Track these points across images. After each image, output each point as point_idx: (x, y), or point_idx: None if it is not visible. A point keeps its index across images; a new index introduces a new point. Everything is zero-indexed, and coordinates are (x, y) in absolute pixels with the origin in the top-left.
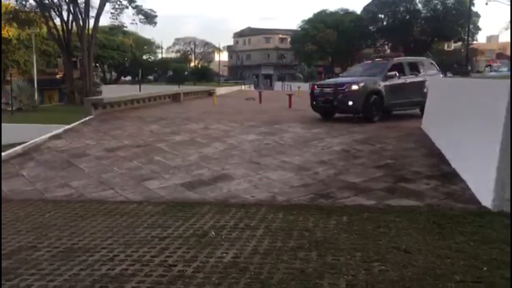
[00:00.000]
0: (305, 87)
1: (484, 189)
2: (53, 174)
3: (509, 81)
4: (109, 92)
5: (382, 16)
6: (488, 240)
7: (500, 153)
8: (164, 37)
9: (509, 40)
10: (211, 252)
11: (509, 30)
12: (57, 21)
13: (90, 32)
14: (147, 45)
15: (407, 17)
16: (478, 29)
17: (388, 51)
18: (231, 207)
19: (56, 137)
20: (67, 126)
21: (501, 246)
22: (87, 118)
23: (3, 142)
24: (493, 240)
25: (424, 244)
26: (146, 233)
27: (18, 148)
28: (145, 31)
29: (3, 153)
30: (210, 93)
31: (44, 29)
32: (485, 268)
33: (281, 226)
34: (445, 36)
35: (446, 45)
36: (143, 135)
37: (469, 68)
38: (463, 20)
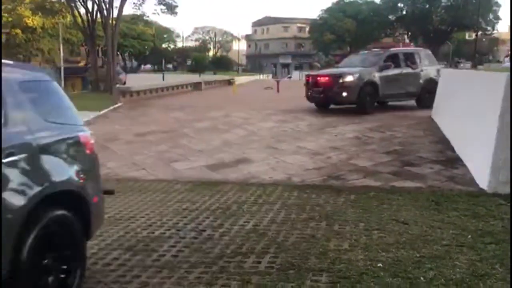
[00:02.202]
0: None
1: (482, 173)
2: None
3: (505, 74)
4: (133, 81)
5: (402, 5)
6: (478, 215)
7: (496, 141)
8: (183, 25)
9: None
10: (234, 221)
11: None
12: (82, 10)
13: (114, 21)
14: (167, 34)
15: (427, 6)
16: (498, 18)
17: (407, 40)
18: (251, 186)
19: (88, 122)
20: (98, 113)
21: (488, 219)
22: (116, 105)
23: None
24: (482, 215)
25: (421, 217)
26: (177, 206)
27: None
28: (164, 19)
29: None
30: (230, 82)
31: (68, 18)
32: (469, 236)
33: (296, 202)
34: (465, 26)
35: (467, 35)
36: (169, 121)
37: (490, 58)
38: (484, 9)
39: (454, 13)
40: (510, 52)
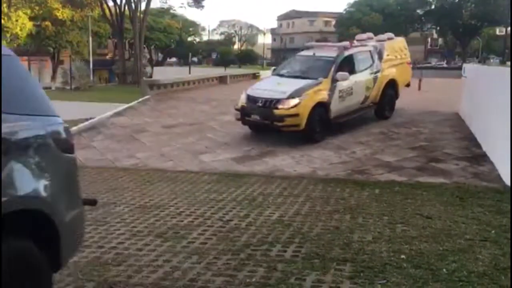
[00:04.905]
0: None
1: (508, 170)
2: (120, 146)
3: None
4: (160, 74)
5: None
6: (502, 211)
7: None
8: (209, 19)
9: None
10: (260, 212)
11: None
12: (110, 3)
13: (141, 15)
14: (193, 27)
15: (456, 0)
16: None
17: (436, 35)
18: (276, 179)
19: (118, 114)
20: (127, 105)
21: None
22: (144, 98)
23: (69, 117)
24: (506, 211)
25: (445, 212)
26: (205, 196)
27: (87, 123)
28: (190, 13)
29: (74, 127)
30: (255, 76)
31: (97, 11)
32: (493, 231)
33: (320, 195)
34: (496, 21)
35: (497, 30)
36: (195, 114)
37: None
38: None
39: (484, 8)
40: (510, 51)
